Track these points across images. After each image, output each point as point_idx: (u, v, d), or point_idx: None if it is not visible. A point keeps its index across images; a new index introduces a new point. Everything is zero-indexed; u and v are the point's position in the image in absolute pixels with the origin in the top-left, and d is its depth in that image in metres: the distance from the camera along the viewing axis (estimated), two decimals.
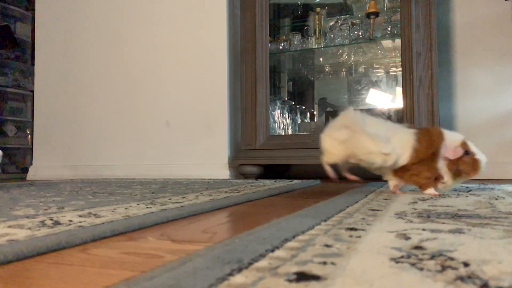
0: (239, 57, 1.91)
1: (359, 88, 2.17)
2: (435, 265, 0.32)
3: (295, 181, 1.53)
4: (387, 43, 2.00)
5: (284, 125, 2.17)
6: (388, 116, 1.92)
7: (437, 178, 0.91)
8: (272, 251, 0.37)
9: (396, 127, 0.97)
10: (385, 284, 0.28)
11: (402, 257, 0.35)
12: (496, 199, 0.81)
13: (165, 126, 2.04)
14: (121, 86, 2.15)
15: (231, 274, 0.30)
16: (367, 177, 1.14)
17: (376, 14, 1.87)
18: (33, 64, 2.48)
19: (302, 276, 0.30)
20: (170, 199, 0.89)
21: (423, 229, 0.48)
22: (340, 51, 2.15)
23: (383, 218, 0.57)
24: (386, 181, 1.04)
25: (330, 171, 0.98)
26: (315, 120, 2.25)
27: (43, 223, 0.56)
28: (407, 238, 0.43)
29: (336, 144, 0.95)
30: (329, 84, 2.32)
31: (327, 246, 0.40)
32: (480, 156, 0.89)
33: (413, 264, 0.33)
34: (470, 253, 0.36)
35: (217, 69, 1.96)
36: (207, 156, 1.94)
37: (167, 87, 2.05)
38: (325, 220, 0.55)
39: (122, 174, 2.08)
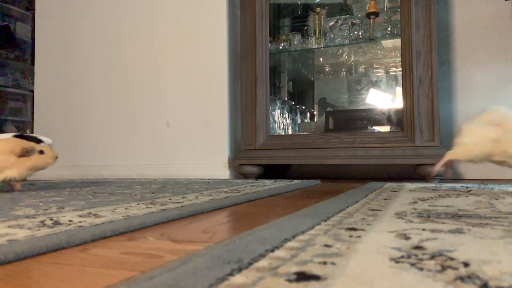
0: (239, 57, 1.91)
1: (359, 88, 2.17)
2: (435, 265, 0.32)
3: (295, 181, 1.53)
4: (387, 43, 2.00)
5: (284, 125, 2.17)
6: (388, 116, 1.92)
7: None
8: (272, 251, 0.37)
9: None
10: (385, 284, 0.28)
11: (402, 257, 0.35)
12: (496, 199, 0.81)
13: (165, 126, 2.04)
14: (121, 86, 2.15)
15: (231, 274, 0.30)
16: (366, 177, 1.14)
17: (376, 14, 1.87)
18: (33, 64, 2.48)
19: (302, 276, 0.30)
20: (170, 199, 0.89)
21: (423, 229, 0.48)
22: (340, 51, 2.15)
23: (383, 218, 0.57)
24: (386, 181, 1.04)
25: (448, 170, 0.92)
26: (315, 120, 2.25)
27: (43, 223, 0.56)
28: (407, 238, 0.43)
29: (479, 141, 0.88)
30: (329, 84, 2.32)
31: (327, 246, 0.40)
32: None
33: (413, 264, 0.33)
34: (470, 253, 0.36)
35: (217, 69, 1.96)
36: (207, 156, 1.94)
37: (167, 87, 2.05)
38: (325, 220, 0.55)
39: (122, 174, 2.08)
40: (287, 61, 2.32)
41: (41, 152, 1.13)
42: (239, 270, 0.31)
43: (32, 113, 2.55)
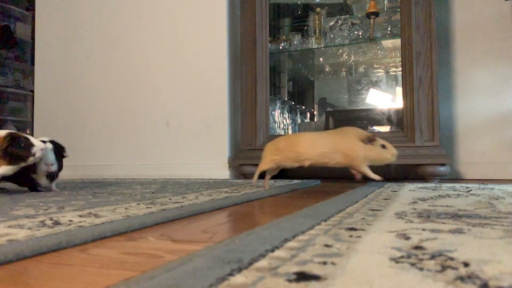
0: (239, 57, 1.91)
1: (359, 88, 2.17)
2: (435, 265, 0.32)
3: (295, 181, 1.53)
4: (387, 43, 2.00)
5: (284, 125, 2.17)
6: (388, 116, 1.92)
7: None
8: (272, 251, 0.37)
9: None
10: (385, 284, 0.28)
11: (402, 257, 0.35)
12: (496, 199, 0.81)
13: (165, 126, 2.04)
14: (121, 86, 2.15)
15: (231, 274, 0.30)
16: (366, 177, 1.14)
17: (376, 14, 1.87)
18: (33, 64, 2.48)
19: (302, 276, 0.30)
20: (170, 199, 0.89)
21: (423, 229, 0.48)
22: (340, 51, 2.15)
23: (383, 218, 0.57)
24: (386, 181, 1.04)
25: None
26: (315, 120, 2.25)
27: (43, 223, 0.56)
28: (407, 238, 0.43)
29: None
30: (329, 84, 2.32)
31: (327, 246, 0.40)
32: None
33: (413, 264, 0.33)
34: (470, 253, 0.36)
35: (217, 69, 1.96)
36: (207, 156, 1.94)
37: (167, 87, 2.05)
38: (325, 220, 0.55)
39: (122, 174, 2.08)
40: (287, 61, 2.32)
41: (383, 146, 1.12)
42: (239, 270, 0.31)
43: (32, 113, 2.55)
